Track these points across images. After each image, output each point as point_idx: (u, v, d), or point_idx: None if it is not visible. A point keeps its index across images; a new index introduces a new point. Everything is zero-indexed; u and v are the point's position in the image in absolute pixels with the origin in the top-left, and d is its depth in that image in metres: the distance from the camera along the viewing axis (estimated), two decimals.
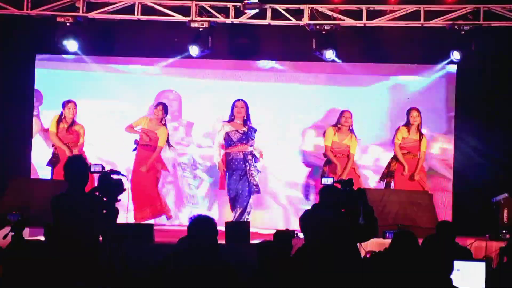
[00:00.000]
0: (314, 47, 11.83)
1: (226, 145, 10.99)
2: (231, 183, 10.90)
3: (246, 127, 10.99)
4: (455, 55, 11.60)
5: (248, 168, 10.89)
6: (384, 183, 11.35)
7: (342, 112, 11.40)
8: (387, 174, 11.29)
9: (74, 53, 12.23)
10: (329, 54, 11.80)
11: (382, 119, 12.41)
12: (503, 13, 11.55)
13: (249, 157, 10.95)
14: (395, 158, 11.30)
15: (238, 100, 11.14)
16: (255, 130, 11.08)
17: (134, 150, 11.40)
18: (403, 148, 11.23)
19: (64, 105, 11.35)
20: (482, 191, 11.56)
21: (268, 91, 12.61)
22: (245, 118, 11.00)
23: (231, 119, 11.06)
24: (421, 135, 11.25)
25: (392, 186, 11.23)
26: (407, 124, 11.24)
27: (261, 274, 5.68)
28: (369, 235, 6.78)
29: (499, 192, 10.57)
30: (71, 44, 11.91)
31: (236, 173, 10.88)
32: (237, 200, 10.86)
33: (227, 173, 10.95)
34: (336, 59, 11.92)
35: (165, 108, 11.45)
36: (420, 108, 11.48)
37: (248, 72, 12.78)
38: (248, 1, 11.38)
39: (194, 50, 11.88)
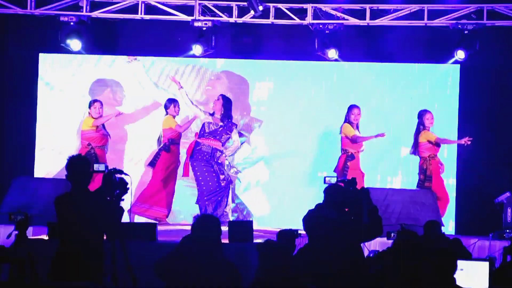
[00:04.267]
0: (316, 46, 11.86)
1: (199, 134, 11.05)
2: (201, 175, 10.94)
3: (225, 121, 11.02)
4: (460, 55, 11.60)
5: (214, 163, 10.93)
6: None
7: (352, 109, 11.34)
8: (425, 180, 11.06)
9: (78, 52, 12.25)
10: (332, 53, 11.81)
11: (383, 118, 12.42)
12: (506, 12, 11.56)
13: (218, 153, 10.99)
14: (426, 160, 11.12)
15: (220, 96, 11.18)
16: (233, 125, 11.11)
17: (163, 148, 11.35)
18: (427, 150, 11.15)
19: (90, 105, 11.39)
20: (485, 191, 11.55)
21: None
22: (222, 112, 11.03)
23: (212, 113, 11.11)
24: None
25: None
26: (424, 128, 11.14)
27: (263, 273, 5.68)
28: (374, 235, 6.77)
29: (502, 192, 10.57)
30: (74, 43, 11.94)
31: (202, 165, 10.93)
32: (208, 193, 10.91)
33: (192, 163, 10.97)
34: (338, 58, 11.94)
35: (178, 104, 11.46)
36: (423, 107, 11.48)
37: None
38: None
39: (197, 49, 11.89)
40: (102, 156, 11.29)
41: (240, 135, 11.74)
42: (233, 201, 11.49)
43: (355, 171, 11.08)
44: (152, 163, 11.39)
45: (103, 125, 11.41)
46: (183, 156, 11.44)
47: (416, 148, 11.19)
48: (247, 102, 12.75)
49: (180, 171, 11.51)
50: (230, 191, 11.20)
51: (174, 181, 11.40)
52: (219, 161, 11.00)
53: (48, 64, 12.74)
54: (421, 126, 11.17)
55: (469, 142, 11.04)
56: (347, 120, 11.32)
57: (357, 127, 11.36)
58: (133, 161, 12.62)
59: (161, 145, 11.36)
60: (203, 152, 10.98)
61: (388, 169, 12.38)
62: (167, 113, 11.42)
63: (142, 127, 12.52)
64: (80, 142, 11.43)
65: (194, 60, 12.57)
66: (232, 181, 11.42)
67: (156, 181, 11.32)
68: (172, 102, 11.44)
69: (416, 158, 11.28)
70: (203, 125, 11.10)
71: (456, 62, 12.00)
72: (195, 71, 12.74)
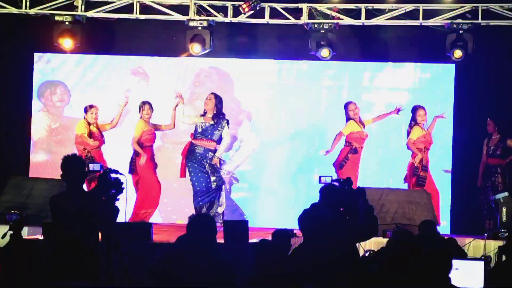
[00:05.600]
0: (310, 46, 11.85)
1: (193, 136, 11.08)
2: (194, 175, 10.95)
3: (215, 120, 11.02)
4: (457, 54, 11.58)
5: (206, 164, 10.95)
6: (416, 180, 11.15)
7: (347, 105, 11.39)
8: (420, 170, 11.11)
9: (73, 52, 12.24)
10: (325, 52, 11.79)
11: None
12: (501, 12, 11.57)
13: (209, 154, 11.00)
14: (422, 151, 11.14)
15: (211, 95, 11.18)
16: (224, 120, 11.08)
17: (135, 153, 11.28)
18: (422, 143, 11.20)
19: (87, 110, 11.26)
20: (480, 190, 11.54)
21: None
22: (215, 112, 11.03)
23: (204, 113, 11.11)
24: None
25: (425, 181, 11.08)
26: (416, 124, 11.20)
27: (258, 273, 5.68)
28: (369, 235, 6.78)
29: (496, 192, 10.58)
30: (66, 43, 11.90)
31: (196, 166, 10.94)
32: (201, 193, 10.92)
33: (187, 164, 11.00)
34: (332, 57, 11.95)
35: (151, 105, 11.39)
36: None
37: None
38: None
39: (195, 48, 11.84)
40: (100, 157, 11.23)
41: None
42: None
43: (352, 167, 11.14)
44: (131, 170, 11.24)
45: (97, 127, 11.31)
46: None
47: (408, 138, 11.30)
48: (235, 97, 12.75)
49: (171, 172, 11.49)
50: (223, 193, 11.19)
51: (156, 181, 11.33)
52: (212, 163, 10.99)
53: (43, 64, 12.75)
54: (412, 121, 11.25)
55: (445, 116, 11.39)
56: (348, 118, 11.34)
57: (360, 121, 11.36)
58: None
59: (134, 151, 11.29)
60: (196, 153, 11.00)
61: (386, 169, 12.40)
62: (140, 116, 11.33)
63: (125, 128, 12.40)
64: (76, 147, 11.30)
65: (187, 59, 12.57)
66: (225, 182, 11.40)
67: (143, 188, 11.25)
68: (145, 104, 11.32)
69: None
70: (196, 127, 11.09)
71: (451, 61, 12.00)
72: (185, 69, 12.77)
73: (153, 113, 11.32)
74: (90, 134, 11.14)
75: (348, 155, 11.30)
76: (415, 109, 11.31)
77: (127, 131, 11.66)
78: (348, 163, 11.25)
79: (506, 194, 10.38)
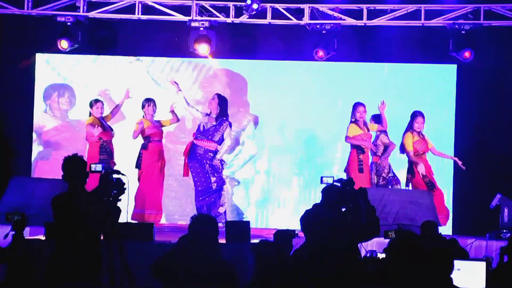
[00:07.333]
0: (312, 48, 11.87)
1: (195, 136, 11.10)
2: (195, 175, 10.98)
3: (218, 120, 11.03)
4: (467, 55, 11.55)
5: (206, 164, 10.96)
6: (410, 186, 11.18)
7: (357, 107, 11.30)
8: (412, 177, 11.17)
9: (74, 53, 12.25)
10: (320, 53, 11.79)
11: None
12: (503, 12, 11.57)
13: (209, 154, 11.01)
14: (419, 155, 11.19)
15: (215, 95, 11.20)
16: (226, 122, 11.07)
17: (142, 147, 11.32)
18: (417, 150, 11.16)
19: (92, 105, 11.28)
20: (482, 191, 11.55)
21: None
22: (218, 112, 11.04)
23: (209, 113, 11.15)
24: (421, 135, 11.23)
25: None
26: (411, 130, 11.15)
27: (260, 273, 5.68)
28: (371, 235, 6.77)
29: (496, 192, 10.58)
30: (63, 43, 11.89)
31: (197, 166, 10.96)
32: (202, 193, 10.94)
33: (189, 164, 11.03)
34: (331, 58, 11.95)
35: (155, 103, 11.42)
36: (420, 108, 11.49)
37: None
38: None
39: (203, 48, 11.83)
40: (113, 151, 11.23)
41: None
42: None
43: (365, 168, 11.16)
44: (137, 165, 11.28)
45: (105, 121, 11.34)
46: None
47: (403, 147, 11.23)
48: (245, 99, 12.76)
49: (172, 171, 11.47)
50: (225, 193, 11.20)
51: (160, 180, 11.34)
52: (213, 163, 10.99)
53: (45, 64, 12.76)
54: (409, 128, 11.18)
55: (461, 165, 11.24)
56: (353, 118, 11.27)
57: (365, 124, 11.33)
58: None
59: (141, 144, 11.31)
60: (197, 153, 11.02)
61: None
62: (144, 113, 11.35)
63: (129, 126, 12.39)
64: (89, 143, 11.27)
65: (191, 59, 12.58)
66: (225, 182, 11.41)
67: (144, 183, 11.25)
68: (147, 101, 11.37)
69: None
70: (199, 126, 11.11)
71: (453, 62, 12.01)
72: (192, 69, 12.77)
73: (156, 112, 11.38)
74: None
75: (359, 156, 11.20)
76: (414, 115, 11.18)
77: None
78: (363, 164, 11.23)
79: (499, 196, 10.39)
